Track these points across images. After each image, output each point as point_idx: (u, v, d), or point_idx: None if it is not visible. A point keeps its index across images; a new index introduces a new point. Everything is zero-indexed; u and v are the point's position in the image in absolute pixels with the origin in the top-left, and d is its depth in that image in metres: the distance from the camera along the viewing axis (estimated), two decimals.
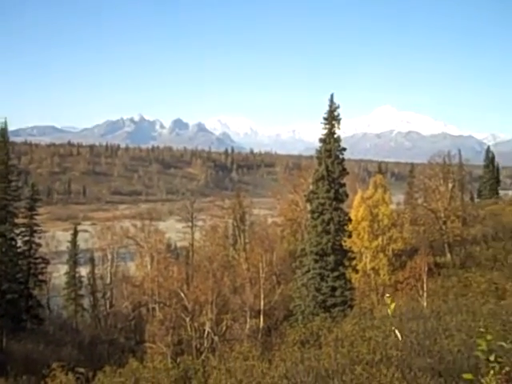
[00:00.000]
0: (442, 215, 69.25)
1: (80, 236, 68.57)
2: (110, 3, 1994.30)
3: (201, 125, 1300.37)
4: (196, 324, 39.02)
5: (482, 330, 5.05)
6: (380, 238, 61.13)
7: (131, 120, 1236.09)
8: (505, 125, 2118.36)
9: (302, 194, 64.89)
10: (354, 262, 46.73)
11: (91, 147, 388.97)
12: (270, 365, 22.06)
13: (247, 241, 68.46)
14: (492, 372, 4.82)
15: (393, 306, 5.26)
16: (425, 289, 47.66)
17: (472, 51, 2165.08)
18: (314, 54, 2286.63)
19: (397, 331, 5.57)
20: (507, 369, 4.78)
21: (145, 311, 53.19)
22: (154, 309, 50.13)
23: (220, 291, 43.62)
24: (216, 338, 38.27)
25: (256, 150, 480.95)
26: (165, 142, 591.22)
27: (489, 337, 4.97)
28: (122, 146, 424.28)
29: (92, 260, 69.68)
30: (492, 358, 4.84)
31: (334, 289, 41.70)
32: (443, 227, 68.58)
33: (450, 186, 73.25)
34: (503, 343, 5.00)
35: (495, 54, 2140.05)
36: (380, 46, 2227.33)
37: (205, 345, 38.05)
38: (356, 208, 61.89)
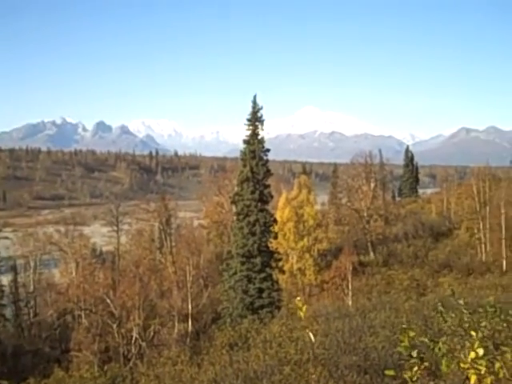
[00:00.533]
0: (365, 214, 70.81)
1: (0, 243, 66.63)
2: (29, 3, 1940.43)
3: (124, 127, 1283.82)
4: (123, 330, 38.47)
5: (404, 326, 5.21)
6: (306, 239, 61.96)
7: (53, 123, 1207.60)
8: (422, 125, 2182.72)
9: (227, 196, 65.04)
10: (280, 263, 47.06)
11: (11, 151, 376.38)
12: (199, 369, 22.02)
13: (173, 244, 68.07)
14: (414, 367, 4.98)
15: (304, 308, 5.36)
16: (350, 287, 48.58)
17: (392, 52, 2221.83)
18: (237, 54, 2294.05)
19: (310, 334, 5.56)
20: (426, 364, 4.95)
21: (70, 319, 52.02)
22: (79, 316, 49.13)
23: (147, 296, 43.18)
24: (144, 344, 37.84)
25: (180, 153, 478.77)
26: (88, 145, 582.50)
27: (411, 333, 5.12)
28: (44, 149, 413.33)
29: (14, 268, 67.63)
30: (414, 353, 5.00)
31: (261, 290, 41.89)
32: (366, 226, 70.11)
33: (372, 185, 75.00)
34: (424, 339, 5.19)
35: (415, 56, 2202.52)
36: (302, 46, 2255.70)
37: (132, 351, 37.56)
38: (281, 209, 62.54)
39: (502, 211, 58.72)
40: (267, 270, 42.75)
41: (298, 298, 5.59)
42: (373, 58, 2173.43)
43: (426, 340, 5.06)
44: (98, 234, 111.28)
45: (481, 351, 4.76)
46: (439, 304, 6.23)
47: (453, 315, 5.78)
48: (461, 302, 6.25)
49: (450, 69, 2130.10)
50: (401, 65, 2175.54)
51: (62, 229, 75.47)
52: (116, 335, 38.28)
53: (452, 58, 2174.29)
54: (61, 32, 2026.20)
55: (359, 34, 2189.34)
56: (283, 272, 51.19)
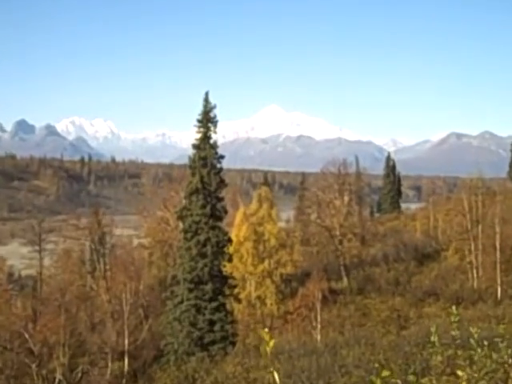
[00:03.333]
0: (338, 233, 70.93)
1: None
2: None
3: (50, 127, 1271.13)
4: (44, 371, 37.81)
5: (378, 365, 5.13)
6: (266, 262, 61.91)
7: None
8: (406, 129, 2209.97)
9: (173, 211, 64.65)
10: (236, 291, 46.95)
11: None
12: None
13: (108, 267, 67.35)
14: None
15: (272, 343, 5.20)
16: (318, 319, 48.56)
17: (368, 50, 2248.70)
18: (187, 47, 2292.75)
19: (276, 374, 5.40)
20: None
21: None
22: None
23: (74, 329, 42.60)
24: None
25: (118, 158, 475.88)
26: (6, 149, 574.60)
27: (385, 373, 5.04)
28: None
29: None
30: None
31: (212, 322, 41.68)
32: (339, 247, 70.27)
33: (347, 199, 75.23)
34: (398, 381, 5.11)
35: (394, 55, 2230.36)
36: (263, 39, 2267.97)
37: None
38: (238, 226, 62.44)
39: (497, 230, 59.39)
40: (220, 298, 42.61)
41: (266, 330, 5.43)
42: (346, 51, 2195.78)
43: (400, 382, 4.98)
44: (17, 255, 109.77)
45: None
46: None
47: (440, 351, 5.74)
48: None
49: (438, 68, 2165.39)
50: (379, 59, 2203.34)
51: None
52: (35, 377, 37.58)
53: (442, 56, 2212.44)
54: None
55: (331, 26, 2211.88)
56: (239, 301, 51.05)
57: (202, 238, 42.23)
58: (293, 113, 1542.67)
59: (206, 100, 43.77)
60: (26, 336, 39.78)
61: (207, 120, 43.70)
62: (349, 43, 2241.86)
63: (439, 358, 6.13)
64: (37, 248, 75.52)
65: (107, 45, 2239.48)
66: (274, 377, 4.90)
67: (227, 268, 45.27)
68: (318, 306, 49.82)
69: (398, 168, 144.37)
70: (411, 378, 5.29)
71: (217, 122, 44.17)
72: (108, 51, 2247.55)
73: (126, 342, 43.68)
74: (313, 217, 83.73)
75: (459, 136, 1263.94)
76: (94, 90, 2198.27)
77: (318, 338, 43.93)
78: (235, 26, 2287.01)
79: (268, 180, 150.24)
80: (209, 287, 41.80)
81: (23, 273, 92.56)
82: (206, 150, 43.44)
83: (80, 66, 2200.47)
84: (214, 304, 41.88)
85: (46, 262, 78.30)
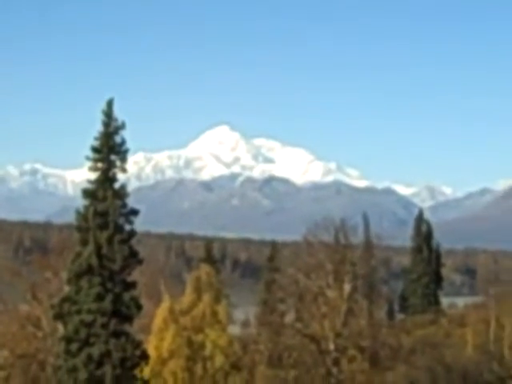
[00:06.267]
0: (332, 347, 71.08)
1: None
2: None
3: None
4: None
5: None
6: None
7: None
8: (450, 172, 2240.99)
9: (47, 304, 64.43)
10: None
11: None
12: None
13: None
14: None
15: None
16: None
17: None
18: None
19: None
20: None
21: None
22: None
23: None
24: None
25: None
26: None
27: None
28: None
29: None
30: None
31: None
32: (333, 371, 70.37)
33: (348, 288, 75.49)
34: None
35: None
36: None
37: None
38: (160, 333, 62.26)
39: None
40: None
41: None
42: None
43: None
44: None
45: None
46: None
47: None
48: None
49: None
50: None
51: None
52: None
53: None
54: None
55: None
56: None
57: (96, 351, 41.84)
58: (257, 140, 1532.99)
59: (109, 113, 42.91)
60: None
61: (109, 148, 42.91)
62: None
63: None
64: None
65: None
66: None
67: None
68: None
69: (438, 236, 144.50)
70: None
71: (127, 151, 43.61)
72: None
73: None
74: (289, 318, 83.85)
75: None
76: None
77: None
78: None
79: (213, 253, 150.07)
80: None
81: None
82: (106, 200, 42.78)
83: None
84: None
85: None
